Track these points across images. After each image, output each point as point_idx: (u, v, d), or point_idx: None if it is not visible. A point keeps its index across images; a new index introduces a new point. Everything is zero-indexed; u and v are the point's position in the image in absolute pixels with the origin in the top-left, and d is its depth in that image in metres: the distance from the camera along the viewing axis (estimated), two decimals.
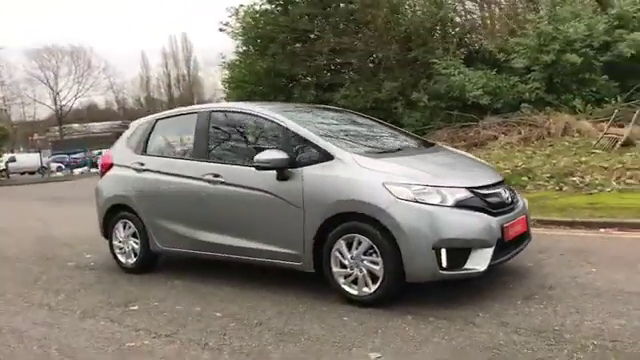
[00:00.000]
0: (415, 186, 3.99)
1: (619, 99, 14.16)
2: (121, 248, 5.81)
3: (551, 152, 11.33)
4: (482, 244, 3.95)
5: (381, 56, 16.77)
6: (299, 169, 4.41)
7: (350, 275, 4.19)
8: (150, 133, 5.72)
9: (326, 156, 4.33)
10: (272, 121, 4.76)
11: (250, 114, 5.02)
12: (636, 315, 3.60)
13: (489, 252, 3.97)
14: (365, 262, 4.09)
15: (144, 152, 5.68)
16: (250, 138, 5.06)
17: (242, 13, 19.78)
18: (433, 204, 3.94)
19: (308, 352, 3.46)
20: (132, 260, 5.72)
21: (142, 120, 6.06)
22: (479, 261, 3.93)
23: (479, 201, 4.08)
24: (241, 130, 5.11)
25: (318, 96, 17.46)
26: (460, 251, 3.91)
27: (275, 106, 5.33)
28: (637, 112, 11.26)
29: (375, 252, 4.04)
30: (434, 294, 4.21)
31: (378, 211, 3.97)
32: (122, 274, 5.73)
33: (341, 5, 18.24)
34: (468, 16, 18.84)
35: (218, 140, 5.21)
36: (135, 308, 4.62)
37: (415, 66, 16.47)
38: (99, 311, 4.60)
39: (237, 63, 20.09)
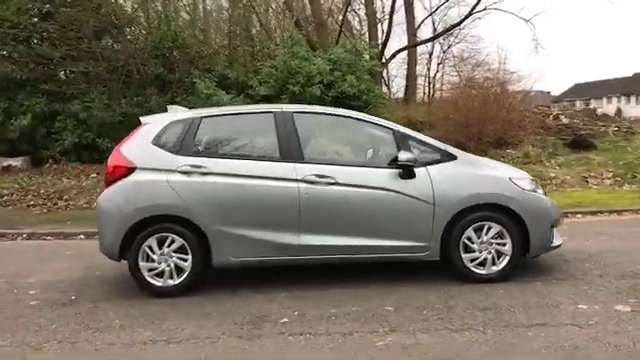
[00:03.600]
0: (528, 179, 5.09)
1: None
2: (153, 269, 4.84)
3: None
4: (558, 223, 5.31)
5: (135, 69, 16.01)
6: (423, 168, 4.90)
7: (478, 258, 4.93)
8: (196, 132, 4.99)
9: (449, 156, 4.98)
10: (381, 125, 5.08)
11: (351, 118, 5.17)
12: None
13: (557, 230, 5.35)
14: (494, 245, 4.93)
15: (195, 153, 4.93)
16: (355, 141, 5.15)
17: None
18: (539, 192, 5.11)
19: (540, 315, 4.13)
20: (174, 281, 4.86)
21: (172, 117, 5.13)
22: (558, 237, 5.27)
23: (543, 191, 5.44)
24: (340, 133, 5.14)
25: (50, 105, 15.45)
26: (552, 229, 5.17)
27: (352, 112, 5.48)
28: None
29: (501, 235, 4.93)
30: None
31: (511, 200, 4.89)
32: (165, 300, 4.79)
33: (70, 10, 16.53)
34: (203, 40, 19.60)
35: (313, 141, 5.08)
36: (285, 320, 4.23)
37: (182, 84, 16.35)
38: (252, 331, 4.03)
39: None
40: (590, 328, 3.86)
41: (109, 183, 4.92)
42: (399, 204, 4.85)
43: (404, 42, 23.02)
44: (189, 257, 4.83)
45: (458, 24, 20.77)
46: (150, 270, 4.84)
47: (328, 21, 21.50)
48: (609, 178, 11.53)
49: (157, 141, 4.96)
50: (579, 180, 11.70)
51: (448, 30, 21.96)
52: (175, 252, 4.84)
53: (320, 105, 16.83)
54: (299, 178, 4.82)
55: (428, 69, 25.68)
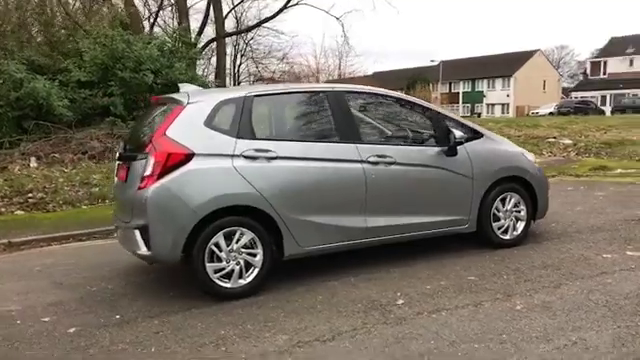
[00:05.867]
0: (530, 153, 5.79)
1: None
2: (220, 269, 4.24)
3: None
4: None
5: None
6: (461, 146, 5.21)
7: (503, 226, 5.45)
8: (251, 112, 4.46)
9: (476, 134, 5.37)
10: (421, 105, 5.22)
11: (393, 98, 5.21)
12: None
13: None
14: (514, 213, 5.50)
15: (255, 136, 4.41)
16: (404, 121, 5.14)
17: None
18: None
19: (590, 266, 4.78)
20: (245, 280, 4.33)
21: (220, 96, 4.45)
22: None
23: None
24: (387, 112, 5.09)
25: None
26: None
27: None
28: None
29: (518, 204, 5.52)
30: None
31: (526, 172, 5.52)
32: (238, 302, 4.24)
33: None
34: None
35: (366, 122, 4.94)
36: (402, 302, 4.17)
37: None
38: (387, 316, 3.93)
39: None
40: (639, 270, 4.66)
41: (161, 173, 4.11)
42: (448, 180, 5.09)
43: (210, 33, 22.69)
44: (259, 251, 4.35)
45: (271, 17, 21.28)
46: (217, 271, 4.23)
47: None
48: None
49: (210, 123, 4.32)
50: None
51: (260, 23, 22.33)
52: (245, 248, 4.30)
53: (149, 92, 15.81)
54: (363, 159, 4.71)
55: (233, 60, 25.63)
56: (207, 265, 4.18)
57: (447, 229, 5.21)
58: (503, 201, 5.42)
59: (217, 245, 4.21)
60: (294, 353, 3.40)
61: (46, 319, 4.08)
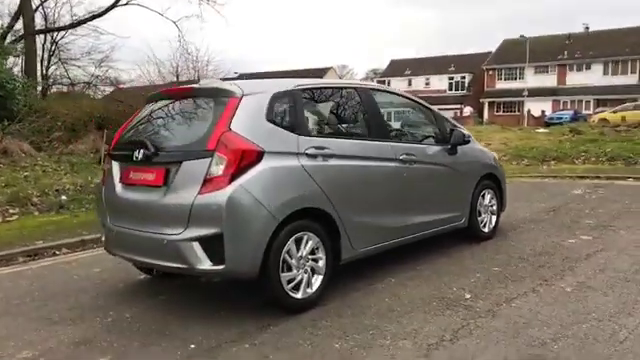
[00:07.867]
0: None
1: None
2: (292, 279, 3.84)
3: (71, 170, 10.98)
4: None
5: None
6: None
7: (483, 220, 5.85)
8: (303, 107, 4.09)
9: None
10: (423, 105, 5.32)
11: (405, 97, 5.18)
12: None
13: None
14: (489, 207, 5.93)
15: (308, 132, 4.06)
16: (414, 120, 5.13)
17: None
18: None
19: (578, 248, 5.43)
20: (312, 289, 3.97)
21: (271, 88, 3.94)
22: None
23: None
24: (405, 112, 5.06)
25: None
26: None
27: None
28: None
29: (492, 198, 5.98)
30: None
31: (496, 169, 6.01)
32: (308, 314, 3.87)
33: None
34: None
35: (387, 119, 4.84)
36: (468, 296, 4.24)
37: None
38: (474, 310, 3.97)
39: None
40: (612, 248, 5.40)
41: (234, 174, 3.55)
42: (452, 178, 5.31)
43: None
44: (322, 257, 4.03)
45: (98, 16, 19.34)
46: (289, 282, 3.80)
47: None
48: None
49: (271, 117, 3.88)
50: None
51: (84, 21, 20.07)
52: (311, 254, 3.95)
53: None
54: (397, 157, 4.67)
55: (42, 62, 22.39)
56: (282, 276, 3.73)
57: (452, 225, 5.40)
58: (483, 197, 5.80)
59: (288, 252, 3.78)
60: (435, 357, 3.22)
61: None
